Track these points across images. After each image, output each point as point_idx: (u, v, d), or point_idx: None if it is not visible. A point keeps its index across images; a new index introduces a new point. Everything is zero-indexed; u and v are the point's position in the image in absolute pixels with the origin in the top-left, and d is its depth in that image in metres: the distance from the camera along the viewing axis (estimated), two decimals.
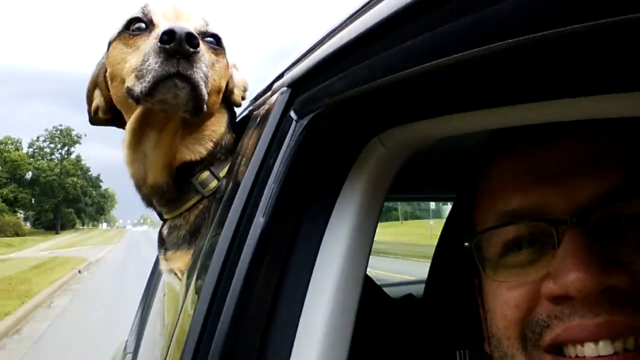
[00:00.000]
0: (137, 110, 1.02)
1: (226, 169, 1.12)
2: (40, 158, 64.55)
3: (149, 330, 1.90)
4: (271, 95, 0.88)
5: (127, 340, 2.48)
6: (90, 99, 1.17)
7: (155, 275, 2.57)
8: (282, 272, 0.67)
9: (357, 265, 0.70)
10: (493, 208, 0.62)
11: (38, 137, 65.72)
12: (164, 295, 1.69)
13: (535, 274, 0.56)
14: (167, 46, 0.86)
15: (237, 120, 1.23)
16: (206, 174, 1.10)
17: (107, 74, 1.07)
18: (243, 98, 1.22)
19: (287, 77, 0.81)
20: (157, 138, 1.04)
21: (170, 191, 1.09)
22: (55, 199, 63.73)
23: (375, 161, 0.71)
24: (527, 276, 0.57)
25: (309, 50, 0.74)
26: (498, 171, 0.64)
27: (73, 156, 66.13)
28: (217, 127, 1.12)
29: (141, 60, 0.90)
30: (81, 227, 72.52)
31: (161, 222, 1.20)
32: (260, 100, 1.04)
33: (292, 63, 0.85)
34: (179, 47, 0.86)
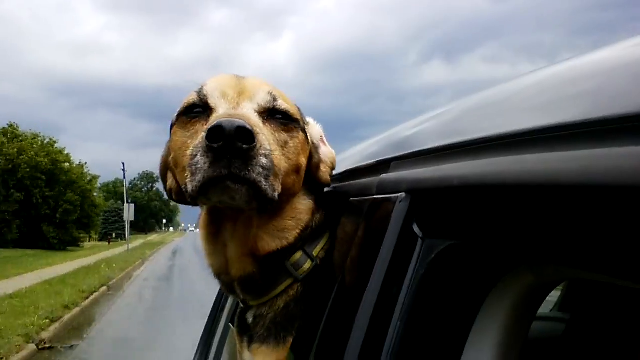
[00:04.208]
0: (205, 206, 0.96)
1: (319, 247, 1.01)
2: (137, 191, 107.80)
3: None
4: (378, 193, 0.75)
5: None
6: (164, 178, 1.10)
7: (220, 306, 2.40)
8: None
9: None
10: None
11: (135, 178, 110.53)
12: None
13: None
14: (215, 145, 0.75)
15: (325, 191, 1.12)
16: (299, 254, 0.99)
17: (170, 158, 0.99)
18: (330, 175, 1.09)
19: (405, 177, 0.68)
20: (233, 229, 0.96)
21: (257, 279, 0.99)
22: (145, 214, 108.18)
23: (521, 290, 0.58)
24: None
25: (441, 150, 0.60)
26: None
27: (154, 189, 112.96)
28: (302, 209, 1.01)
29: (190, 154, 0.81)
30: (159, 231, 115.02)
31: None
32: (359, 184, 0.91)
33: (409, 155, 0.72)
34: (229, 145, 0.75)
